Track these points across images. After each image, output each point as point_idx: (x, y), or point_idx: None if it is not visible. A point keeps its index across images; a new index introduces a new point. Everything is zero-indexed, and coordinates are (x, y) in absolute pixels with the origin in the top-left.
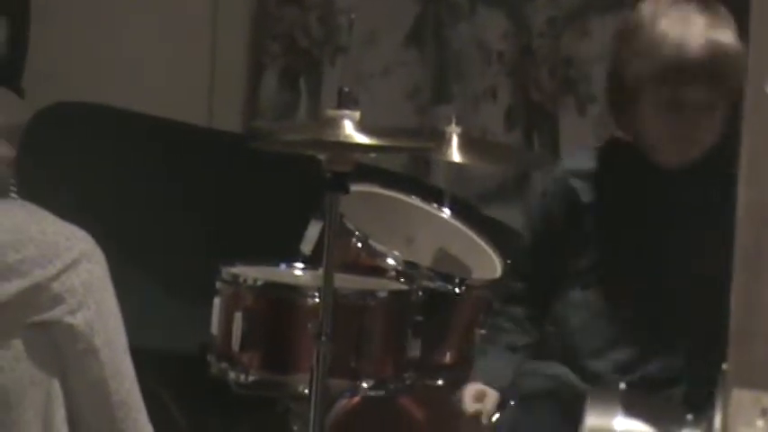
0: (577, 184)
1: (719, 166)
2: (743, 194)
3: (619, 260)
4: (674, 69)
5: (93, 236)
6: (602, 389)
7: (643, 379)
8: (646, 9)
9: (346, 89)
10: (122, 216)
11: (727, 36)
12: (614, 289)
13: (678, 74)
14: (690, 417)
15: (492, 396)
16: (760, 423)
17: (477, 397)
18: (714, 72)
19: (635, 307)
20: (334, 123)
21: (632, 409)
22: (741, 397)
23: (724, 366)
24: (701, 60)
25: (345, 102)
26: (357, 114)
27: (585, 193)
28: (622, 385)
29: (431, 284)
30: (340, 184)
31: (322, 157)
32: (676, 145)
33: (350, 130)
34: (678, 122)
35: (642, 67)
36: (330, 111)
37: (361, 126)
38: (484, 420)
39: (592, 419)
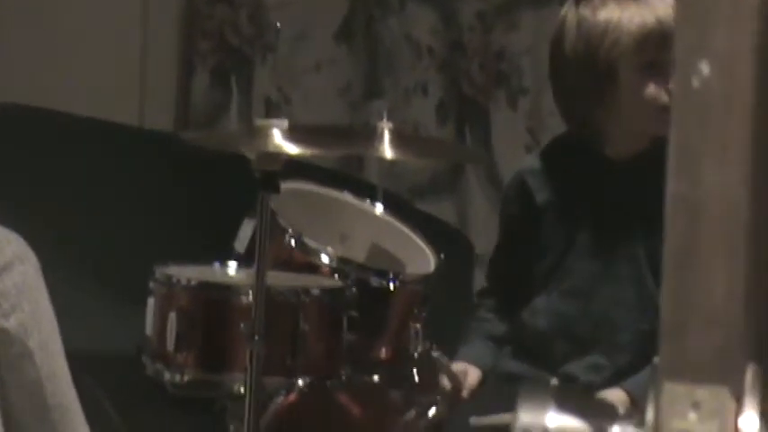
0: (533, 184)
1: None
2: (672, 188)
3: (577, 261)
4: (652, 30)
5: (25, 238)
6: (533, 385)
7: (617, 377)
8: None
9: (272, 98)
10: (55, 218)
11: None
12: (577, 291)
13: (657, 34)
14: (622, 411)
15: (474, 373)
16: (692, 416)
17: (461, 373)
18: None
19: (599, 309)
20: (263, 133)
21: (565, 405)
22: (673, 390)
23: (655, 360)
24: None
25: (273, 110)
26: (285, 123)
27: (540, 194)
28: (554, 381)
29: (365, 280)
30: (270, 183)
31: (252, 156)
32: (661, 116)
33: (279, 140)
34: (662, 86)
35: (618, 37)
36: (259, 120)
37: (290, 134)
38: (464, 394)
39: (524, 416)
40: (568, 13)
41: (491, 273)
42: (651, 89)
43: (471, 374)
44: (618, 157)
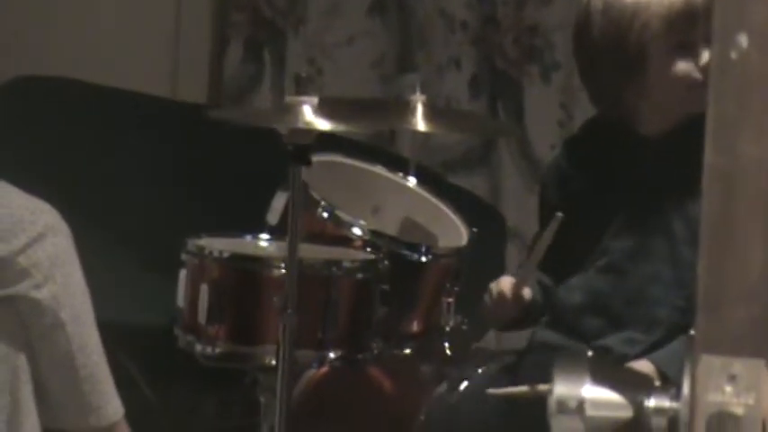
0: (567, 168)
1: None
2: (709, 160)
3: (613, 238)
4: (682, 9)
5: (58, 209)
6: (569, 356)
7: (651, 351)
8: None
9: (303, 74)
10: (88, 189)
11: None
12: (613, 268)
13: (686, 13)
14: (658, 383)
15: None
16: (728, 389)
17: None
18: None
19: (634, 285)
20: (294, 109)
21: (601, 377)
22: (710, 363)
23: (692, 332)
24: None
25: (303, 86)
26: (315, 100)
27: (576, 176)
28: (590, 353)
29: (397, 253)
30: (302, 156)
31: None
32: (693, 93)
33: (309, 117)
34: (693, 64)
35: (648, 19)
36: (289, 97)
37: (321, 110)
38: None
39: (560, 388)
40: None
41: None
42: (681, 67)
43: (524, 288)
44: (650, 134)
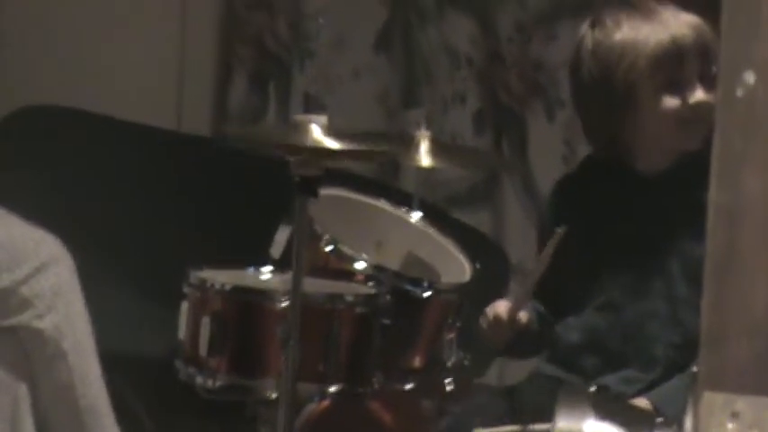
0: (565, 205)
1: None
2: (714, 197)
3: (609, 276)
4: (668, 49)
5: (61, 240)
6: (571, 391)
7: (649, 390)
8: (611, 18)
9: (313, 95)
10: (91, 220)
11: (698, 18)
12: (609, 306)
13: (672, 52)
14: (660, 420)
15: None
16: (731, 426)
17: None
18: (702, 45)
19: (631, 323)
20: (302, 128)
21: (603, 412)
22: (712, 399)
23: (694, 368)
24: (689, 36)
25: (313, 107)
26: (324, 119)
27: (574, 214)
28: (593, 388)
29: (400, 288)
30: (309, 188)
31: (291, 161)
32: (683, 131)
33: (318, 135)
34: (682, 102)
35: (635, 59)
36: (298, 116)
37: (330, 131)
38: (510, 320)
39: (562, 422)
40: (584, 36)
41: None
42: (670, 104)
43: (521, 312)
44: (646, 172)
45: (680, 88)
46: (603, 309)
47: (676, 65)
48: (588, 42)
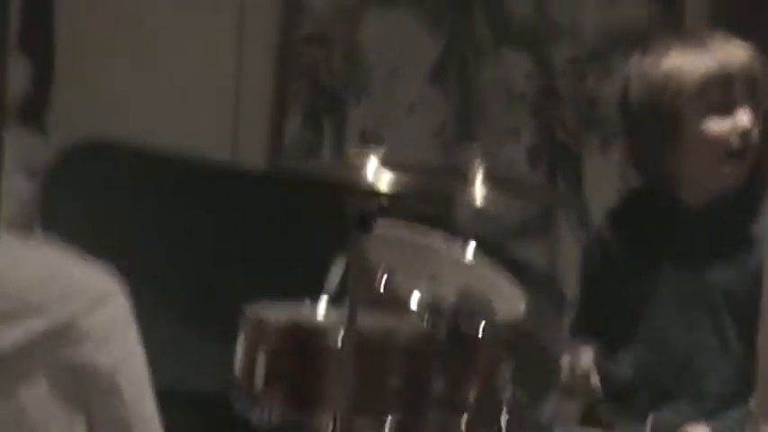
0: (610, 240)
1: (741, 206)
2: None
3: (658, 310)
4: (716, 73)
5: (117, 275)
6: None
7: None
8: (660, 45)
9: (369, 129)
10: (147, 255)
11: (748, 46)
12: (659, 341)
13: (720, 77)
14: None
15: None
16: None
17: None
18: (751, 73)
19: (681, 357)
20: (358, 163)
21: None
22: None
23: (751, 403)
24: (737, 62)
25: (369, 141)
26: (380, 154)
27: (620, 249)
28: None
29: (454, 324)
30: (364, 223)
31: (346, 196)
32: (729, 159)
33: (374, 170)
34: (728, 128)
35: (682, 83)
36: (353, 150)
37: (386, 165)
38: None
39: None
40: (633, 66)
41: (576, 327)
42: (717, 130)
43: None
44: (691, 205)
45: (726, 114)
46: (652, 342)
47: (724, 90)
48: (636, 69)
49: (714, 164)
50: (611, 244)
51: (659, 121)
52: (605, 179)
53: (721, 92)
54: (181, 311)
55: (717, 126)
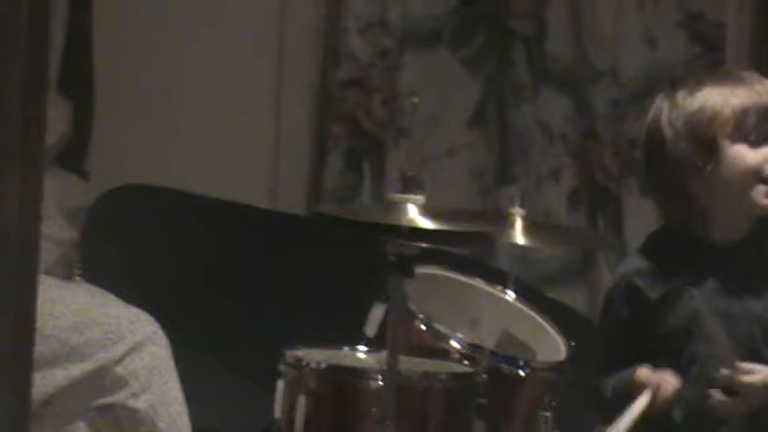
0: (642, 283)
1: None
2: None
3: (698, 347)
4: (751, 103)
5: (156, 318)
6: None
7: None
8: (693, 78)
9: (410, 173)
10: (186, 298)
11: None
12: (701, 376)
13: (755, 107)
14: None
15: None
16: None
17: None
18: None
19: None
20: (398, 207)
21: None
22: None
23: None
24: None
25: (409, 185)
26: (421, 198)
27: (652, 291)
28: None
29: (495, 366)
30: (404, 267)
31: (386, 240)
32: (763, 192)
33: (414, 215)
34: (764, 158)
35: (717, 112)
36: (394, 195)
37: (426, 210)
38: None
39: None
40: (664, 98)
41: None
42: (753, 161)
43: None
44: (723, 240)
45: (760, 145)
46: (697, 378)
47: (759, 120)
48: (669, 102)
49: (748, 194)
50: (640, 284)
51: (692, 150)
52: (645, 221)
53: (756, 122)
54: (219, 355)
55: (751, 156)
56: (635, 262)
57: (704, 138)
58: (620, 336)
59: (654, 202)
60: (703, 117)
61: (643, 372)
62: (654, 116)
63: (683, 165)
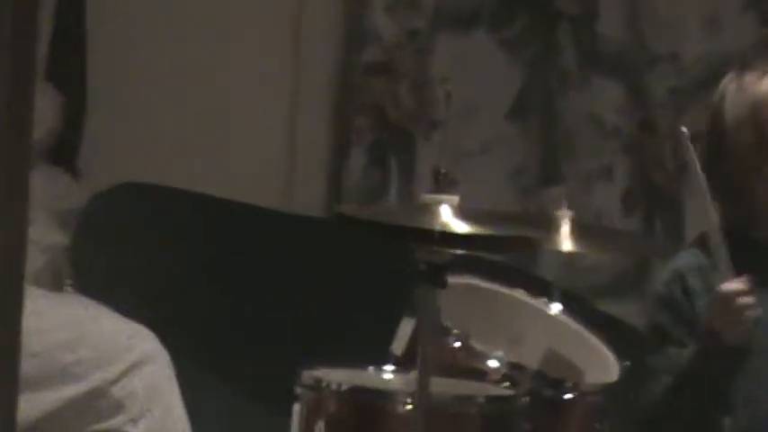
0: (694, 283)
1: None
2: None
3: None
4: None
5: (157, 333)
6: None
7: None
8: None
9: (443, 170)
10: (190, 310)
11: None
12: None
13: None
14: None
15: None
16: None
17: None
18: None
19: None
20: (430, 209)
21: None
22: None
23: None
24: None
25: (443, 184)
26: (455, 199)
27: (700, 287)
28: None
29: (539, 389)
30: (436, 277)
31: (416, 246)
32: None
33: (448, 218)
34: None
35: None
36: (425, 195)
37: (461, 213)
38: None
39: None
40: (731, 80)
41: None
42: None
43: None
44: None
45: None
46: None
47: None
48: (735, 85)
49: None
50: (694, 290)
51: (757, 141)
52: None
53: None
54: (231, 373)
55: None
56: (687, 258)
57: (765, 132)
58: (676, 338)
59: (714, 199)
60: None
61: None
62: (717, 100)
63: (744, 158)
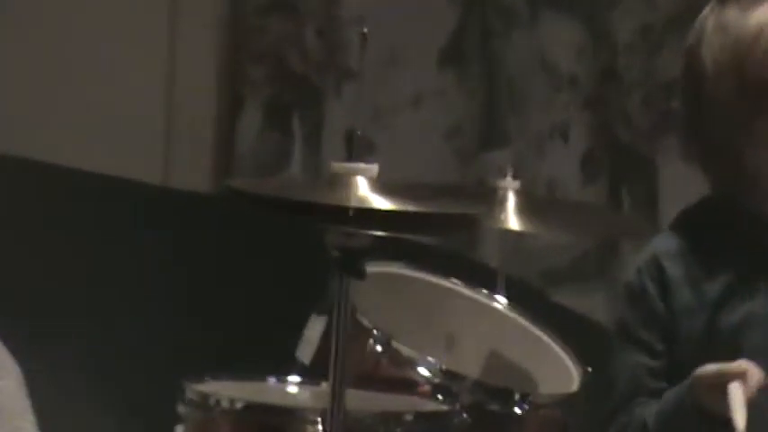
0: (671, 272)
1: None
2: None
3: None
4: None
5: (7, 334)
6: None
7: None
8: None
9: (358, 132)
10: (55, 306)
11: None
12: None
13: None
14: None
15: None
16: None
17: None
18: None
19: None
20: (342, 181)
21: None
22: None
23: None
24: None
25: (358, 150)
26: (374, 168)
27: (682, 277)
28: None
29: (481, 402)
30: (352, 265)
31: (326, 227)
32: None
33: (365, 192)
34: None
35: None
36: (336, 164)
37: (381, 186)
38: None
39: None
40: (710, 15)
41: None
42: None
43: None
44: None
45: None
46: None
47: None
48: (715, 22)
49: None
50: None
51: (740, 90)
52: (690, 195)
53: None
54: (102, 385)
55: None
56: (665, 241)
57: (754, 75)
58: (645, 342)
59: (696, 165)
60: (754, 50)
61: (709, 367)
62: (693, 41)
63: (727, 113)
